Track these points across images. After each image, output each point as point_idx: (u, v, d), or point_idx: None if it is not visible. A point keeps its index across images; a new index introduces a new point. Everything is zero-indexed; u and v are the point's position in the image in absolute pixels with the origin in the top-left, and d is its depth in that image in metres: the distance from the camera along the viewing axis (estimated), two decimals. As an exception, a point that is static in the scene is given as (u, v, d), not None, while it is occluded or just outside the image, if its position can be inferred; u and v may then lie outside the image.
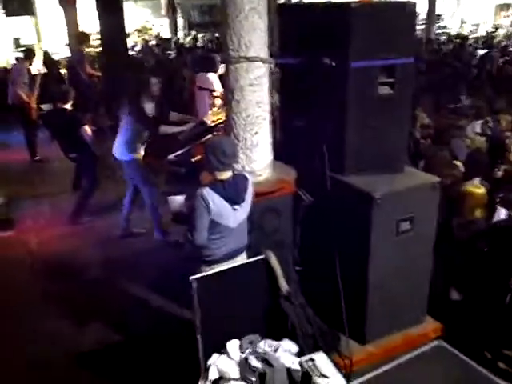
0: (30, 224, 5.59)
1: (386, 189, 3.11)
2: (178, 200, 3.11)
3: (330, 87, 3.23)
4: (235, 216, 2.98)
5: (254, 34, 3.12)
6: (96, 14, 9.24)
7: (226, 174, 2.94)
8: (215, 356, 2.86)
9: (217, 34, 15.91)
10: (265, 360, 2.70)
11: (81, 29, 9.87)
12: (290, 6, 3.58)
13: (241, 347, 2.89)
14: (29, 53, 8.28)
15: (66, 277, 4.64)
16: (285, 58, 3.46)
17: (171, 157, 4.70)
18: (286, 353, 2.79)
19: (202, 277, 2.75)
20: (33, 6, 12.70)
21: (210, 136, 4.73)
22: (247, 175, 3.09)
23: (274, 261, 2.94)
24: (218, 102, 5.16)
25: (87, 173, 5.56)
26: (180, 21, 16.33)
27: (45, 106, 10.37)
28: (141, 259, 4.72)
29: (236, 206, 2.96)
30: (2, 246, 5.20)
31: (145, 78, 4.88)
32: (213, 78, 5.47)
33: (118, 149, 4.84)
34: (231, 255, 3.07)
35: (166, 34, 15.56)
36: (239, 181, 3.00)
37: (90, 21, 10.87)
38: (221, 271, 2.85)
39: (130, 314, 4.04)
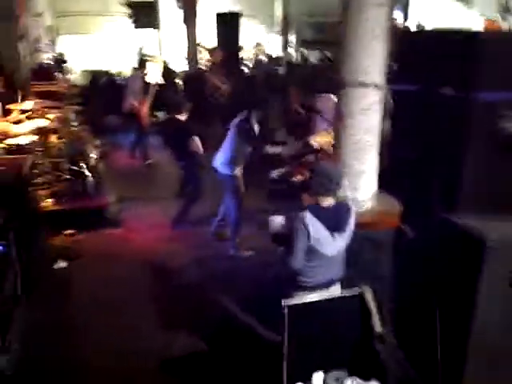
0: (137, 224, 5.93)
1: (501, 235, 2.84)
2: (278, 220, 3.08)
3: (448, 119, 3.04)
4: (334, 244, 2.89)
5: (373, 60, 3.04)
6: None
7: (329, 200, 2.87)
8: (299, 385, 2.79)
9: (327, 53, 15.88)
10: (351, 400, 2.57)
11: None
12: (411, 32, 3.41)
13: (326, 381, 2.79)
14: (142, 62, 8.82)
15: (163, 279, 4.83)
16: (401, 85, 3.33)
17: (273, 174, 4.70)
18: (373, 396, 2.64)
19: (294, 304, 2.69)
20: (158, 20, 13.56)
21: (312, 157, 4.69)
22: (350, 204, 2.98)
23: (369, 298, 2.81)
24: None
25: (192, 181, 5.77)
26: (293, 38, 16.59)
27: (160, 114, 11.11)
28: (235, 272, 4.78)
29: (336, 234, 2.87)
30: (110, 242, 5.57)
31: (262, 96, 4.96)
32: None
33: (220, 162, 5.00)
34: (326, 284, 2.99)
35: (276, 50, 15.86)
36: (341, 209, 2.91)
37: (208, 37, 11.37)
38: (315, 301, 2.77)
39: (219, 326, 4.08)
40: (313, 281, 2.96)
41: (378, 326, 2.80)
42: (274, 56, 14.82)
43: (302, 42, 16.82)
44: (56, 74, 7.75)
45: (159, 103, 11.00)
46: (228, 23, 9.50)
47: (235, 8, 11.49)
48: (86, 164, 6.28)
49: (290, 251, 2.90)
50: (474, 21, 9.33)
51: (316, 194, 2.87)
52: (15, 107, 6.10)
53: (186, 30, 9.73)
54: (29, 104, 5.86)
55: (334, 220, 2.86)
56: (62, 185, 5.97)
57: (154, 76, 12.15)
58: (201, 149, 5.62)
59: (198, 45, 10.22)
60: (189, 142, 5.56)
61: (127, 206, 6.29)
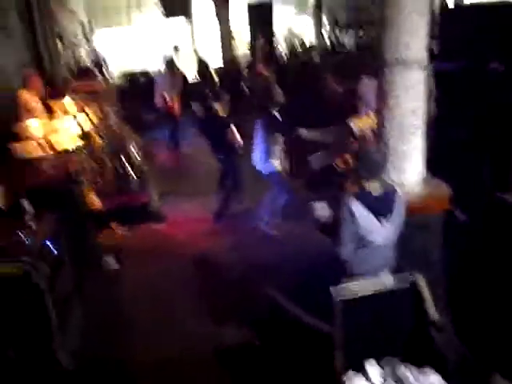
0: (179, 219, 5.99)
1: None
2: (322, 207, 3.01)
3: (498, 95, 2.89)
4: (383, 232, 2.81)
5: (413, 37, 2.92)
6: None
7: (375, 186, 2.79)
8: (351, 373, 2.75)
9: (361, 33, 15.47)
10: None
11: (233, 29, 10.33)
12: (453, 8, 3.25)
13: (380, 369, 2.74)
14: (169, 64, 8.90)
15: (209, 273, 4.87)
16: (445, 63, 3.18)
17: (312, 158, 4.63)
18: (430, 385, 2.57)
19: (347, 298, 2.64)
20: (189, 7, 13.53)
21: (354, 142, 4.57)
22: (398, 190, 2.89)
23: (423, 285, 2.72)
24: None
25: (232, 174, 5.78)
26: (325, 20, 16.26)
27: (195, 107, 11.15)
28: (281, 263, 4.74)
29: (384, 221, 2.79)
30: (155, 236, 5.66)
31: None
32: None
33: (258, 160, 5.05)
34: (375, 271, 2.92)
35: (310, 33, 15.60)
36: (388, 193, 2.83)
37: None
38: (367, 294, 2.70)
39: (268, 318, 4.07)
40: (362, 268, 2.89)
41: (433, 313, 2.71)
42: (306, 41, 14.60)
43: (336, 24, 16.48)
44: (96, 72, 7.88)
45: (195, 96, 11.16)
46: (262, 13, 9.41)
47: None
48: (129, 161, 6.39)
49: (337, 241, 2.84)
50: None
51: (360, 179, 2.79)
52: (59, 106, 6.22)
53: (218, 22, 9.64)
54: (72, 103, 5.98)
55: (382, 206, 2.78)
56: (107, 183, 6.10)
57: (184, 70, 12.24)
58: (239, 139, 5.61)
59: (232, 37, 10.17)
60: (227, 132, 5.56)
61: (170, 201, 6.35)
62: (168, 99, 8.48)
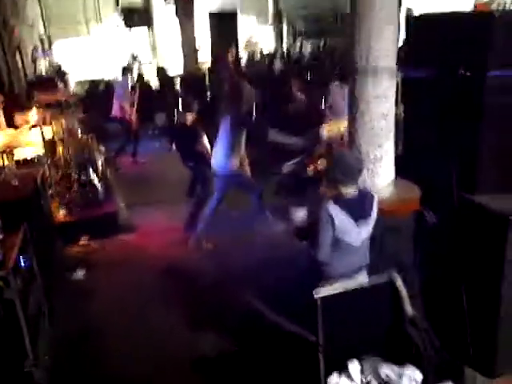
0: (149, 229, 5.92)
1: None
2: (302, 212, 3.07)
3: (464, 99, 3.03)
4: (359, 233, 2.89)
5: (384, 45, 3.03)
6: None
7: (351, 189, 2.86)
8: (335, 375, 2.80)
9: (321, 43, 15.85)
10: (389, 386, 2.58)
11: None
12: (420, 17, 3.40)
13: (362, 369, 2.80)
14: (125, 70, 8.83)
15: (184, 281, 4.84)
16: (413, 70, 3.31)
17: (285, 166, 4.70)
18: (411, 382, 2.65)
19: (327, 295, 2.70)
20: (151, 18, 13.44)
21: (322, 148, 4.68)
22: (372, 192, 2.98)
23: (399, 283, 2.81)
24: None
25: (202, 182, 5.76)
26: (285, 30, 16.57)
27: (157, 118, 11.09)
28: (254, 269, 4.78)
29: (360, 223, 2.87)
30: (125, 248, 5.57)
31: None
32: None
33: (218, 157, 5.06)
34: (352, 273, 2.99)
35: (270, 42, 15.86)
36: (365, 197, 2.91)
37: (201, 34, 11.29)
38: (346, 291, 2.77)
39: (246, 324, 4.08)
40: (340, 270, 2.96)
41: (409, 311, 2.81)
42: (267, 49, 14.82)
43: (296, 34, 16.82)
44: (58, 83, 7.71)
45: (156, 105, 11.09)
46: (226, 22, 9.49)
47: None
48: (95, 172, 6.29)
49: (314, 243, 2.90)
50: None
51: (338, 184, 2.86)
52: (21, 118, 6.08)
53: (180, 30, 9.64)
54: (34, 114, 5.84)
55: (359, 209, 2.86)
56: (73, 194, 5.98)
57: (142, 78, 12.15)
58: (209, 148, 5.62)
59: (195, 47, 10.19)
60: (197, 141, 5.56)
61: (138, 211, 6.28)
62: (126, 109, 8.39)
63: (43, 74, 9.23)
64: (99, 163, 6.45)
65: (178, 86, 11.63)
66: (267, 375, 3.50)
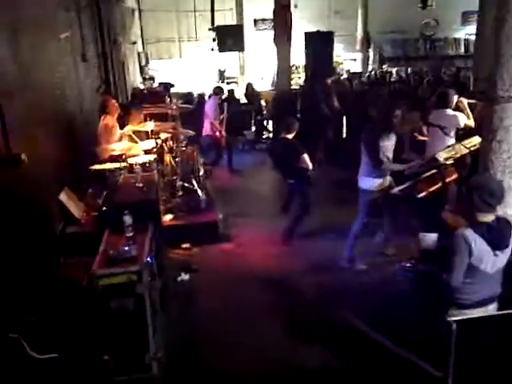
0: (245, 240, 6.10)
1: None
2: (431, 238, 3.08)
3: None
4: (495, 262, 2.85)
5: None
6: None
7: (490, 217, 2.84)
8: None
9: (409, 69, 15.73)
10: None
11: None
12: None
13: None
14: (218, 90, 9.18)
15: (282, 294, 4.93)
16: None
17: (395, 190, 4.70)
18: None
19: (463, 320, 2.67)
20: (243, 43, 13.95)
21: (434, 172, 4.64)
22: (510, 220, 2.93)
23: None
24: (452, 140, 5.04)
25: (302, 198, 5.87)
26: (371, 55, 16.60)
27: (247, 133, 11.44)
28: (353, 288, 4.80)
29: (497, 252, 2.83)
30: (225, 255, 5.78)
31: None
32: (459, 116, 5.30)
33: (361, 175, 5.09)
34: (484, 302, 2.95)
35: (357, 68, 15.92)
36: (503, 225, 2.87)
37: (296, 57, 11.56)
38: (481, 317, 2.73)
39: (348, 342, 4.10)
40: (472, 298, 2.92)
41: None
42: (354, 72, 14.88)
43: (383, 59, 16.84)
44: (165, 96, 8.20)
45: (245, 121, 11.46)
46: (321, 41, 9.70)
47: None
48: (197, 181, 6.59)
49: (449, 269, 2.88)
50: None
51: (476, 211, 2.84)
52: (138, 128, 6.52)
53: (277, 50, 9.93)
54: (150, 125, 6.25)
55: (498, 237, 2.82)
56: (177, 201, 6.29)
57: (232, 97, 12.61)
58: (310, 165, 5.72)
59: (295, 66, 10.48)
60: (298, 160, 5.69)
61: (237, 222, 6.47)
62: (216, 127, 8.73)
63: (149, 87, 9.80)
64: (201, 173, 6.75)
65: (263, 102, 12.01)
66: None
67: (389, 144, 4.76)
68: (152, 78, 13.31)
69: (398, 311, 4.10)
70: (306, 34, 10.34)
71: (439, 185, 4.52)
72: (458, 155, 4.50)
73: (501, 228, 2.85)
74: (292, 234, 5.95)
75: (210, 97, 9.87)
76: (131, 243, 3.70)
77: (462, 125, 5.18)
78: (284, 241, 5.92)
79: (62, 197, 5.44)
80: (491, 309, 2.96)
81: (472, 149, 4.58)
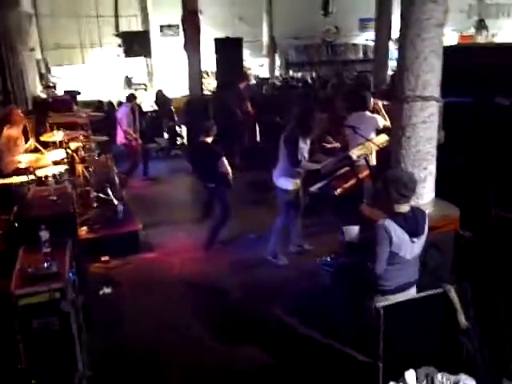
0: (168, 247, 5.99)
1: None
2: (354, 230, 3.24)
3: (500, 125, 3.29)
4: (412, 248, 3.07)
5: (430, 75, 3.28)
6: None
7: (405, 207, 3.05)
8: (392, 384, 2.92)
9: (314, 73, 16.40)
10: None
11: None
12: (460, 47, 3.67)
13: (418, 378, 2.93)
14: (130, 97, 9.01)
15: (210, 296, 4.91)
16: (453, 97, 3.57)
17: (313, 189, 4.88)
18: (469, 388, 2.79)
19: (388, 305, 2.84)
20: (150, 49, 13.69)
21: (348, 169, 4.89)
22: (424, 210, 3.17)
23: (453, 295, 2.98)
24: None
25: (222, 202, 5.88)
26: (278, 60, 17.08)
27: (160, 140, 11.26)
28: (279, 284, 4.91)
29: (414, 239, 3.05)
30: (148, 265, 5.62)
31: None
32: (378, 118, 5.60)
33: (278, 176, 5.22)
34: (404, 287, 3.16)
35: (264, 73, 16.29)
36: (418, 214, 3.10)
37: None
38: (404, 301, 2.93)
39: (278, 338, 4.17)
40: (393, 284, 3.12)
41: (462, 322, 2.97)
42: (262, 78, 15.21)
43: (288, 64, 17.40)
44: (72, 104, 7.81)
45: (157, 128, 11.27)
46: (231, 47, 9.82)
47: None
48: (113, 191, 6.36)
49: (372, 259, 3.05)
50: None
51: (393, 202, 3.04)
52: (45, 138, 6.14)
53: (188, 58, 9.90)
54: (59, 135, 5.91)
55: (414, 225, 3.04)
56: (92, 212, 6.02)
57: (148, 103, 12.34)
58: (229, 169, 5.76)
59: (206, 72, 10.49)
60: (217, 163, 5.70)
61: (158, 230, 6.35)
62: (130, 135, 8.51)
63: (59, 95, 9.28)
64: (116, 183, 6.53)
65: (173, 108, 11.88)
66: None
67: (305, 146, 4.96)
68: (54, 86, 12.61)
69: (324, 304, 4.26)
70: (215, 39, 10.42)
71: (353, 181, 4.77)
72: (369, 152, 4.78)
73: (416, 217, 3.08)
74: (215, 239, 5.93)
75: (120, 104, 9.57)
76: (50, 259, 3.48)
77: (380, 126, 5.51)
78: (207, 246, 5.89)
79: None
80: (411, 293, 3.18)
81: (381, 146, 4.89)
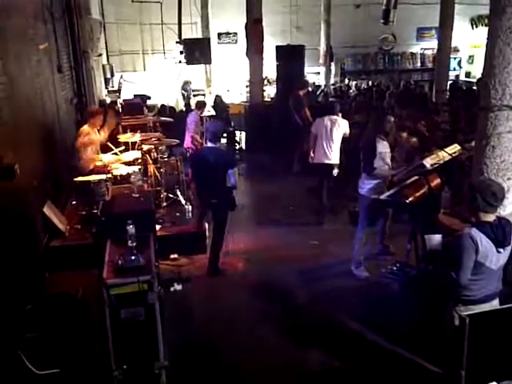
0: (233, 249, 6.04)
1: None
2: (437, 239, 3.25)
3: None
4: (498, 258, 3.04)
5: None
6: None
7: (492, 217, 3.03)
8: (474, 395, 2.90)
9: (370, 82, 16.30)
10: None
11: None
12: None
13: (501, 390, 2.90)
14: (200, 104, 9.26)
15: (277, 299, 5.02)
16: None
17: (383, 196, 4.89)
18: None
19: (475, 314, 2.83)
20: (210, 56, 14.01)
21: (419, 178, 4.87)
22: (509, 219, 3.14)
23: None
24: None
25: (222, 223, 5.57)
26: (333, 68, 17.09)
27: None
28: (347, 293, 4.96)
29: (500, 249, 3.02)
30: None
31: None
32: None
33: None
34: (488, 298, 3.13)
35: (321, 81, 16.35)
36: (505, 224, 3.07)
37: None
38: (490, 311, 2.91)
39: (348, 344, 4.22)
40: (478, 294, 3.10)
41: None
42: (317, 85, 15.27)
43: (344, 73, 17.40)
44: (143, 107, 8.16)
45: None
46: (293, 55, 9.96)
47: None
48: (181, 192, 6.59)
49: (456, 268, 3.04)
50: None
51: (479, 211, 3.02)
52: (123, 139, 6.46)
53: (249, 63, 10.10)
54: (136, 136, 6.20)
55: (502, 235, 3.01)
56: (162, 211, 6.26)
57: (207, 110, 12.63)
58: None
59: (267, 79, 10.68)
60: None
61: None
62: (197, 140, 8.77)
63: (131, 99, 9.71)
64: (185, 184, 6.75)
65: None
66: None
67: (386, 151, 5.05)
68: (118, 91, 13.15)
69: (392, 312, 4.28)
70: (277, 47, 10.59)
71: (425, 189, 4.74)
72: (442, 161, 4.74)
73: (502, 226, 3.05)
74: (218, 263, 5.62)
75: (187, 111, 9.86)
76: (137, 253, 3.67)
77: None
78: (212, 271, 5.55)
79: (46, 210, 5.32)
80: (495, 304, 3.15)
81: (454, 155, 4.85)
